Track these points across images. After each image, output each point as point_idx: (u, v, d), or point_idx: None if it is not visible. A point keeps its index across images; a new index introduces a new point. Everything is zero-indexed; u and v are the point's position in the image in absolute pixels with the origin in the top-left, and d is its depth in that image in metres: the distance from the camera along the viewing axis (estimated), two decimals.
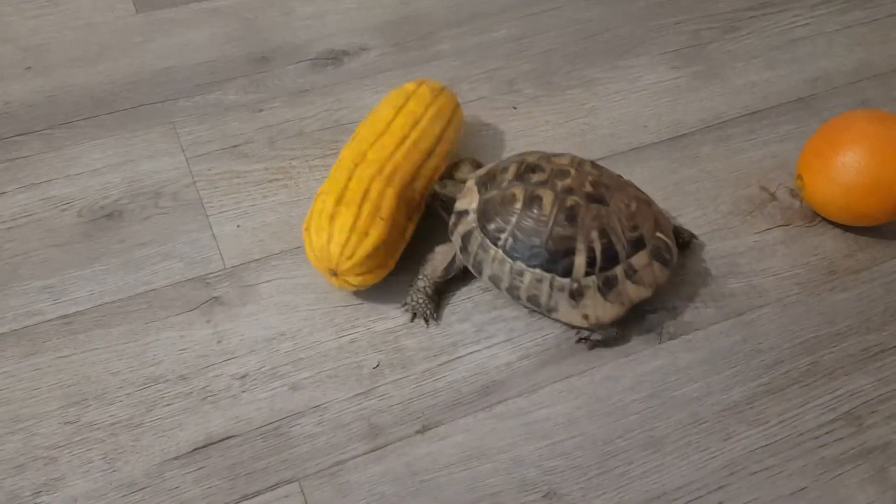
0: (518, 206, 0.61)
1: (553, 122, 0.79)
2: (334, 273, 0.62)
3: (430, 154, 0.68)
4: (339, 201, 0.62)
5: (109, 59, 0.84)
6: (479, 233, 0.62)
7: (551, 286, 0.60)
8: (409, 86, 0.73)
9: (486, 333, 0.62)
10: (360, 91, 0.82)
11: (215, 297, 0.64)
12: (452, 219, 0.64)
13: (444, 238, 0.65)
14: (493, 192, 0.63)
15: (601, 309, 0.60)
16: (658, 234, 0.63)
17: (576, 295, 0.60)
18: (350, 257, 0.60)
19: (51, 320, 0.63)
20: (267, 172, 0.74)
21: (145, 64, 0.84)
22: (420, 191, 0.67)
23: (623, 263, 0.61)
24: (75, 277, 0.65)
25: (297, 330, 0.62)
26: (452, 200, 0.66)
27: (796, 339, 0.63)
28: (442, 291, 0.65)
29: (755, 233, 0.69)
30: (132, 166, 0.74)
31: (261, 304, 0.64)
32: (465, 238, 0.63)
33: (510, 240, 0.61)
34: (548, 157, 0.65)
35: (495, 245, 0.61)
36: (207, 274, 0.66)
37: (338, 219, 0.61)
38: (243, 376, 0.60)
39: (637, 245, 0.61)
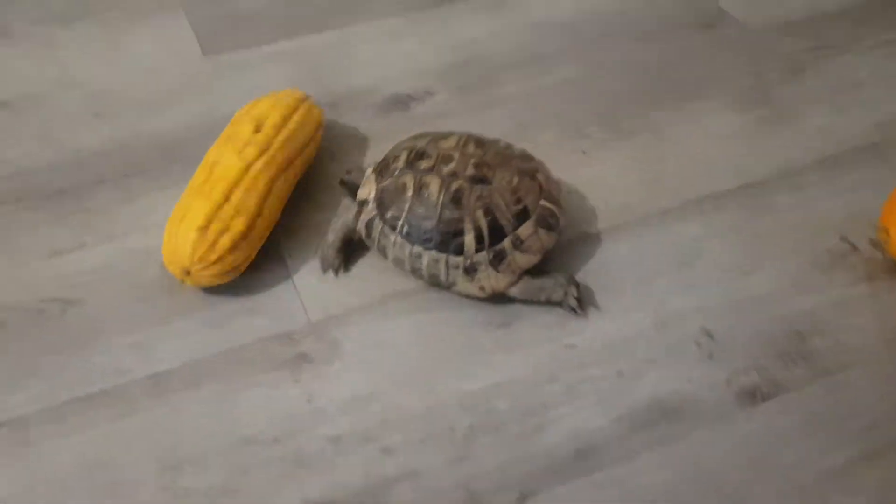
0: (409, 194, 0.67)
1: (624, 166, 0.79)
2: (187, 272, 0.66)
3: (290, 162, 0.72)
4: (196, 202, 0.66)
5: (178, 105, 0.85)
6: (378, 220, 0.68)
7: (447, 265, 0.66)
8: (271, 95, 0.76)
9: (575, 394, 0.62)
10: None
11: (302, 354, 0.65)
12: (356, 207, 0.70)
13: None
14: (387, 181, 0.68)
15: (495, 280, 0.66)
16: (543, 203, 0.68)
17: (470, 271, 0.66)
18: (202, 259, 0.64)
19: (140, 379, 0.63)
20: None
21: (215, 109, 0.85)
22: (279, 196, 0.70)
23: (510, 236, 0.66)
24: (162, 334, 0.66)
25: (385, 390, 0.63)
26: (356, 187, 0.72)
27: (891, 400, 0.62)
28: (356, 254, 0.71)
29: (838, 287, 0.69)
30: None
31: (347, 361, 0.64)
32: (368, 226, 0.68)
33: (406, 226, 0.66)
34: (436, 140, 0.70)
35: (394, 231, 0.67)
36: (292, 330, 0.66)
37: (188, 219, 0.65)
38: (336, 439, 0.60)
39: (522, 217, 0.67)
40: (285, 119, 0.74)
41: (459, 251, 0.66)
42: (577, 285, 0.68)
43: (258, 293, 0.69)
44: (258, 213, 0.68)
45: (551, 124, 0.84)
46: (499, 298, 0.67)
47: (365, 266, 0.70)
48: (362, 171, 0.72)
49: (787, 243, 0.73)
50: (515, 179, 0.68)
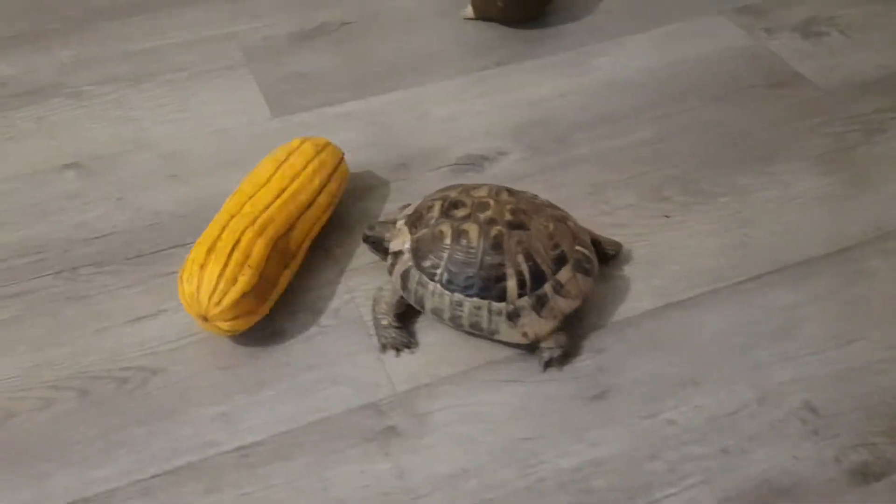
0: (447, 241, 0.66)
1: (709, 231, 0.77)
2: (205, 318, 0.65)
3: (308, 206, 0.73)
4: (210, 251, 0.66)
5: (252, 166, 0.84)
6: (415, 270, 0.67)
7: (489, 311, 0.65)
8: (294, 142, 0.77)
9: (679, 474, 0.59)
10: None
11: (390, 427, 0.63)
12: (389, 259, 0.69)
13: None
14: (423, 231, 0.68)
15: (538, 325, 0.66)
16: (577, 248, 0.69)
17: (513, 316, 0.65)
18: (218, 303, 0.64)
19: (228, 452, 0.61)
20: None
21: None
22: (297, 241, 0.71)
23: (550, 280, 0.66)
24: (247, 403, 0.64)
25: (480, 466, 0.60)
26: (381, 240, 0.71)
27: None
28: (409, 315, 0.69)
29: None
30: (295, 281, 0.74)
31: (437, 434, 0.62)
32: (404, 277, 0.67)
33: (445, 274, 0.65)
34: (467, 190, 0.70)
35: (432, 280, 0.66)
36: (379, 400, 0.65)
37: (207, 267, 0.65)
38: None
39: (560, 261, 0.67)
40: (301, 167, 0.74)
41: (502, 297, 0.65)
42: (566, 353, 0.66)
43: (341, 361, 0.67)
44: (264, 262, 0.67)
45: (629, 186, 0.82)
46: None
47: (447, 332, 0.69)
48: (386, 226, 0.72)
49: (886, 310, 0.70)
50: (551, 225, 0.68)
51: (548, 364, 0.67)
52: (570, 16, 1.05)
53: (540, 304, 0.65)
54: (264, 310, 0.68)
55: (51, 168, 0.84)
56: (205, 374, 0.66)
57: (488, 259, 0.65)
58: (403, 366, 0.67)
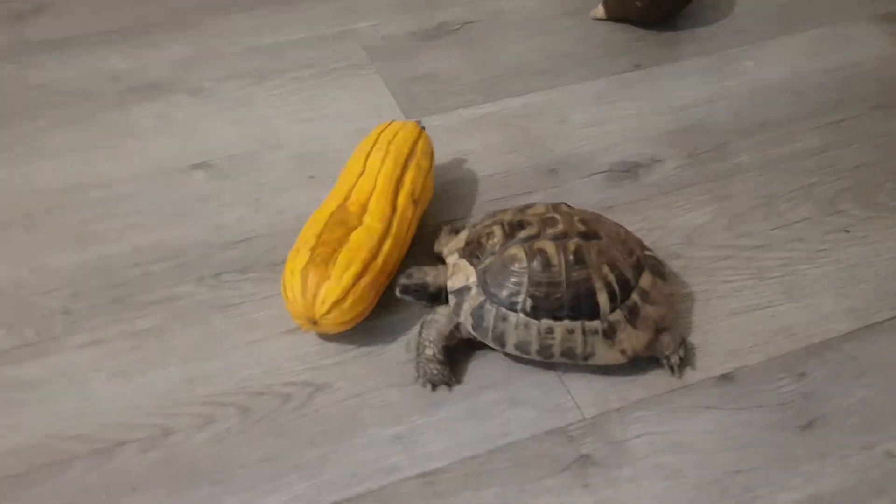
0: (523, 264, 0.60)
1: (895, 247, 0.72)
2: (314, 322, 0.62)
3: (399, 182, 0.69)
4: (312, 252, 0.62)
5: None
6: (490, 304, 0.60)
7: (584, 333, 0.59)
8: (378, 127, 0.73)
9: None
10: (668, 209, 0.75)
11: (585, 456, 0.57)
12: (453, 299, 0.62)
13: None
14: (489, 260, 0.61)
15: (635, 339, 0.60)
16: (646, 252, 0.65)
17: (609, 333, 0.60)
18: (323, 303, 0.60)
19: (410, 478, 0.56)
20: None
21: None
22: (401, 225, 0.66)
23: (636, 289, 0.61)
24: (422, 426, 0.59)
25: (690, 501, 0.54)
26: (424, 286, 0.63)
27: None
28: (459, 350, 0.63)
29: None
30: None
31: (639, 465, 0.57)
32: (477, 315, 0.60)
33: (528, 300, 0.59)
34: (522, 209, 0.64)
35: (513, 311, 0.59)
36: (567, 426, 0.59)
37: (308, 270, 0.61)
38: None
39: (638, 268, 0.62)
40: (400, 155, 0.70)
41: (594, 314, 0.59)
42: (686, 347, 0.62)
43: (518, 380, 0.62)
44: (373, 256, 0.63)
45: (801, 198, 0.76)
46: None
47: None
48: (423, 269, 0.64)
49: None
50: (621, 231, 0.64)
51: (681, 367, 0.61)
52: (706, 18, 1.00)
53: (633, 316, 0.60)
54: (369, 309, 0.63)
55: (178, 168, 0.79)
56: (374, 391, 0.61)
57: (574, 275, 0.59)
58: (586, 387, 0.61)
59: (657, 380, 0.62)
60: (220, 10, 1.00)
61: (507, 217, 0.63)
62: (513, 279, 0.59)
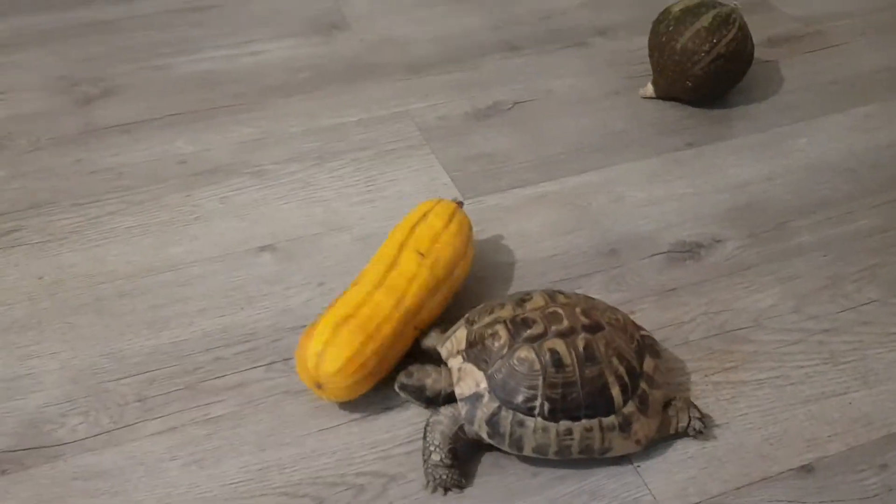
0: (535, 367, 0.59)
1: None
2: (319, 385, 0.63)
3: (404, 243, 0.71)
4: (339, 324, 0.64)
5: None
6: (506, 411, 0.59)
7: (601, 429, 0.60)
8: (426, 203, 0.75)
9: None
10: (732, 291, 0.75)
11: None
12: (464, 406, 0.61)
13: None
14: (497, 363, 0.60)
15: (647, 427, 0.61)
16: (642, 332, 0.66)
17: (625, 427, 0.60)
18: (325, 366, 0.62)
19: None
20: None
21: (488, 255, 0.80)
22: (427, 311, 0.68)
23: (643, 376, 0.62)
24: None
25: None
26: (420, 388, 0.63)
27: None
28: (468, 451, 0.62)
29: None
30: None
31: None
32: (492, 422, 0.60)
33: (546, 404, 0.59)
34: (520, 303, 0.64)
35: (531, 415, 0.59)
36: None
37: (336, 338, 0.63)
38: None
39: (640, 353, 0.63)
40: (435, 240, 0.71)
41: (609, 409, 0.60)
42: (695, 406, 0.63)
43: (593, 471, 0.61)
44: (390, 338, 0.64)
45: (866, 279, 0.76)
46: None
47: (705, 444, 0.62)
48: (424, 369, 0.63)
49: None
50: (618, 316, 0.64)
51: (700, 433, 0.62)
52: (756, 95, 1.01)
53: (644, 404, 0.61)
54: (381, 371, 0.65)
55: (245, 250, 0.81)
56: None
57: (587, 372, 0.59)
58: (664, 480, 0.61)
59: (738, 471, 0.61)
60: (279, 92, 1.03)
61: (507, 313, 0.62)
62: (527, 383, 0.59)
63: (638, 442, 0.60)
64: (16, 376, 0.67)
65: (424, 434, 0.61)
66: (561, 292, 0.65)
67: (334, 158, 0.92)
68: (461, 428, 0.61)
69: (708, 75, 0.95)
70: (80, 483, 0.60)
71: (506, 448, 0.60)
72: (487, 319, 0.63)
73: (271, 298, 0.75)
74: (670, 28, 0.96)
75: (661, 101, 1.01)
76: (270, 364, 0.69)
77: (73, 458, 0.62)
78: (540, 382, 0.58)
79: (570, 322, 0.60)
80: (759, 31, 1.04)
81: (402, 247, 0.70)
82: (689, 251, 0.80)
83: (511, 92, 1.04)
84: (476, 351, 0.61)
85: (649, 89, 1.01)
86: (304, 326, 0.72)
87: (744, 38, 0.95)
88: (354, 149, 0.94)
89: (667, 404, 0.62)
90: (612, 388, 0.59)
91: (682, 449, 0.63)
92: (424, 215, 0.73)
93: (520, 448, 0.59)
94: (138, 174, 0.90)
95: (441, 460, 0.60)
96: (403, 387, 0.63)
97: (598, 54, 1.10)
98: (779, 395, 0.66)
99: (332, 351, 0.62)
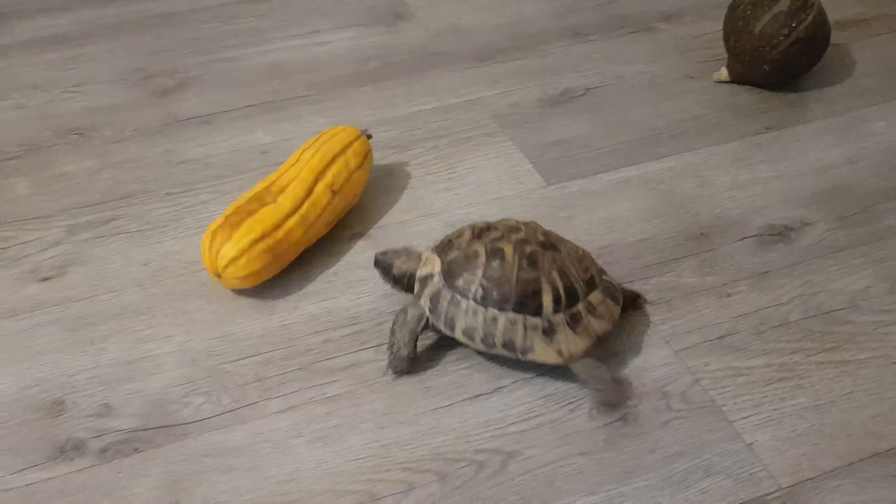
0: (482, 259, 0.66)
1: None
2: (218, 275, 0.73)
3: (322, 174, 0.79)
4: (227, 218, 0.74)
5: None
6: (447, 290, 0.67)
7: (525, 326, 0.65)
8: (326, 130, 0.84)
9: None
10: (827, 273, 0.76)
11: None
12: (417, 286, 0.69)
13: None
14: (454, 254, 0.68)
15: (573, 343, 0.65)
16: (604, 277, 0.70)
17: (548, 332, 0.65)
18: (222, 258, 0.72)
19: None
20: (770, 370, 0.68)
21: (578, 240, 0.80)
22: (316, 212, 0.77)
23: (583, 301, 0.66)
24: (620, 495, 0.60)
25: None
26: (389, 265, 0.71)
27: None
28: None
29: None
30: (621, 360, 0.69)
31: None
32: (434, 299, 0.67)
33: (480, 290, 0.65)
34: (494, 223, 0.70)
35: (465, 297, 0.66)
36: (765, 495, 0.59)
37: (220, 231, 0.73)
38: None
39: (590, 285, 0.68)
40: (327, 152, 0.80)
41: (538, 311, 0.65)
42: (623, 391, 0.66)
43: (708, 449, 0.62)
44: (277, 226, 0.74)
45: None
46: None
47: (812, 419, 0.63)
48: (398, 252, 0.72)
49: None
50: (581, 251, 0.70)
51: (606, 406, 0.65)
52: (830, 78, 1.01)
53: (574, 321, 0.65)
54: (272, 267, 0.74)
55: (338, 237, 0.82)
56: (566, 459, 0.62)
57: (524, 274, 0.65)
58: (778, 456, 0.62)
59: (848, 448, 0.62)
60: (349, 82, 1.05)
61: (480, 224, 0.70)
62: (471, 270, 0.66)
63: (559, 353, 0.65)
64: (135, 359, 0.69)
65: (393, 328, 0.68)
66: (536, 223, 0.70)
67: (413, 147, 0.93)
68: (419, 320, 0.68)
69: (786, 59, 0.95)
70: (211, 460, 0.62)
71: (441, 325, 0.67)
72: (463, 227, 0.71)
73: (368, 284, 0.77)
74: (747, 12, 0.96)
75: (735, 86, 1.02)
76: (378, 346, 0.71)
77: (201, 436, 0.63)
78: (480, 272, 0.65)
79: (527, 236, 0.67)
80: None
81: (319, 177, 0.78)
82: (779, 234, 0.81)
83: (581, 78, 1.05)
84: (443, 246, 0.70)
85: (723, 73, 1.02)
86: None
87: (822, 21, 0.95)
88: (431, 137, 0.95)
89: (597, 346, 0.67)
90: (545, 294, 0.65)
91: (792, 427, 0.64)
92: (344, 150, 0.81)
93: (452, 327, 0.66)
94: (224, 164, 0.91)
95: (408, 355, 0.68)
96: (377, 261, 0.72)
97: (666, 39, 1.11)
98: (881, 375, 0.67)
99: (245, 261, 0.72)
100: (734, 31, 0.99)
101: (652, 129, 0.96)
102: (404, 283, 0.71)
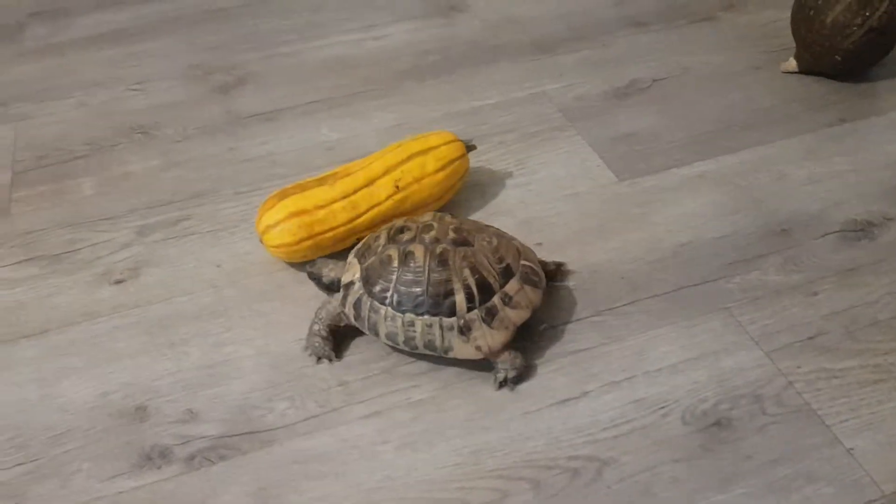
0: (395, 264, 0.67)
1: None
2: (260, 239, 0.76)
3: (392, 168, 0.78)
4: (284, 191, 0.76)
5: (618, 234, 0.80)
6: (366, 297, 0.67)
7: (441, 328, 0.65)
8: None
9: None
10: None
11: None
12: (342, 292, 0.70)
13: None
14: (371, 259, 0.68)
15: (490, 337, 0.66)
16: (523, 262, 0.70)
17: (464, 330, 0.65)
18: (261, 223, 0.75)
19: None
20: (865, 371, 0.66)
21: (657, 238, 0.79)
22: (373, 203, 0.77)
23: (498, 293, 0.67)
24: (720, 503, 0.59)
25: None
26: (318, 275, 0.72)
27: None
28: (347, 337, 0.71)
29: None
30: (711, 362, 0.68)
31: None
32: (356, 306, 0.68)
33: (395, 296, 0.66)
34: (413, 218, 0.71)
35: (383, 304, 0.66)
36: (868, 502, 0.58)
37: (270, 199, 0.76)
38: None
39: (506, 274, 0.68)
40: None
41: (452, 312, 0.66)
42: (520, 375, 0.66)
43: (807, 455, 0.61)
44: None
45: None
46: None
47: None
48: (326, 261, 0.73)
49: None
50: (495, 241, 0.69)
51: (502, 384, 0.67)
52: None
53: (490, 316, 0.66)
54: (305, 242, 0.74)
55: None
56: (662, 466, 0.61)
57: (435, 276, 0.65)
58: (878, 460, 0.60)
59: None
60: (410, 76, 1.03)
61: (398, 223, 0.71)
62: (386, 276, 0.67)
63: (478, 348, 0.65)
64: (215, 363, 0.69)
65: (315, 313, 0.70)
66: (455, 216, 0.71)
67: (480, 142, 0.91)
68: (343, 313, 0.69)
69: (859, 49, 0.93)
70: (299, 466, 0.62)
71: (366, 331, 0.68)
72: (383, 227, 0.71)
73: None
74: (818, 2, 0.93)
75: (803, 76, 0.99)
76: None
77: (287, 443, 0.63)
78: (394, 277, 0.66)
79: (438, 235, 0.67)
80: None
81: (387, 171, 0.78)
82: (861, 230, 0.78)
83: (646, 69, 1.03)
84: (363, 249, 0.71)
85: (791, 63, 0.99)
86: None
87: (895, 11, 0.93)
88: (498, 132, 0.94)
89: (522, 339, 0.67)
90: (457, 293, 0.65)
91: (892, 431, 0.62)
92: (426, 151, 0.79)
93: (376, 332, 0.67)
94: (290, 162, 0.91)
95: (319, 331, 0.69)
96: (309, 274, 0.73)
97: (729, 29, 1.09)
98: None
99: (279, 230, 0.74)
100: (804, 21, 0.96)
101: (722, 122, 0.93)
102: (336, 288, 0.71)
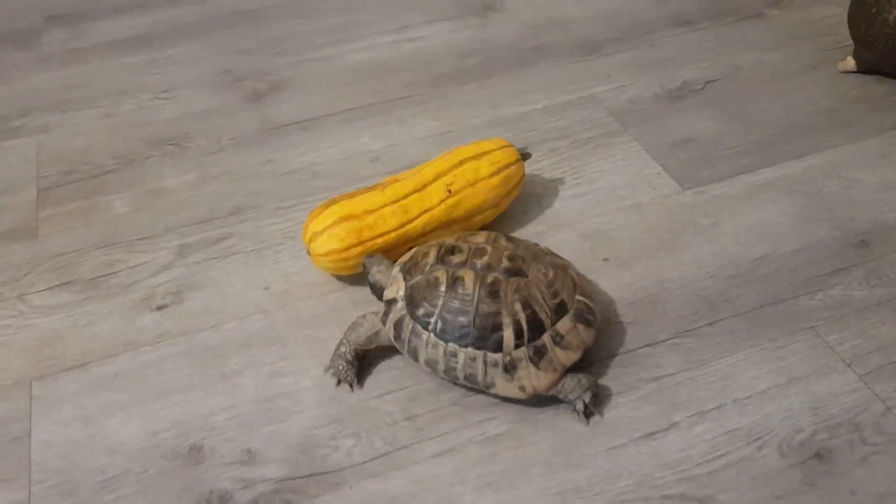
0: (442, 288, 0.63)
1: None
2: (308, 252, 0.73)
3: (443, 173, 0.74)
4: (343, 218, 0.71)
5: (688, 248, 0.75)
6: (409, 319, 0.63)
7: (485, 363, 0.61)
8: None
9: None
10: None
11: None
12: (384, 307, 0.66)
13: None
14: (417, 278, 0.64)
15: (535, 378, 0.61)
16: (578, 297, 0.65)
17: (509, 368, 0.61)
18: (307, 231, 0.71)
19: None
20: None
21: (730, 251, 0.75)
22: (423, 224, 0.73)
23: (549, 331, 0.62)
24: None
25: None
26: (369, 272, 0.69)
27: None
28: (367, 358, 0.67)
29: None
30: (803, 387, 0.64)
31: None
32: (397, 326, 0.64)
33: (439, 322, 0.62)
34: (465, 237, 0.67)
35: (426, 329, 0.63)
36: None
37: (318, 207, 0.73)
38: None
39: (560, 311, 0.63)
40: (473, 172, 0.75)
41: (498, 347, 0.61)
42: (595, 394, 0.62)
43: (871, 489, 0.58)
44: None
45: None
46: None
47: None
48: (381, 260, 0.69)
49: None
50: (551, 273, 0.65)
51: (587, 414, 0.62)
52: None
53: (538, 356, 0.61)
54: (354, 248, 0.70)
55: None
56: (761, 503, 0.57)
57: (484, 307, 0.61)
58: None
59: None
60: (451, 80, 0.99)
61: (448, 240, 0.66)
62: (431, 300, 0.62)
63: (522, 388, 0.61)
64: (272, 396, 0.64)
65: (346, 331, 0.66)
66: (511, 238, 0.67)
67: (532, 150, 0.87)
68: (376, 334, 0.65)
69: None
70: None
71: (405, 353, 0.64)
72: (433, 242, 0.67)
73: None
74: None
75: (863, 76, 0.95)
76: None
77: (357, 485, 0.58)
78: (440, 302, 0.62)
79: (492, 261, 0.63)
80: None
81: (439, 176, 0.74)
82: None
83: (697, 70, 0.98)
84: (410, 264, 0.66)
85: (850, 63, 0.95)
86: None
87: None
88: (550, 139, 0.89)
89: (573, 371, 0.62)
90: (506, 329, 0.61)
91: None
92: (480, 155, 0.76)
93: (415, 357, 0.63)
94: (333, 173, 0.86)
95: (345, 354, 0.65)
96: (363, 263, 0.69)
97: (779, 26, 1.04)
98: None
99: (326, 237, 0.70)
100: (865, 19, 0.92)
101: (783, 125, 0.89)
102: (377, 291, 0.68)
